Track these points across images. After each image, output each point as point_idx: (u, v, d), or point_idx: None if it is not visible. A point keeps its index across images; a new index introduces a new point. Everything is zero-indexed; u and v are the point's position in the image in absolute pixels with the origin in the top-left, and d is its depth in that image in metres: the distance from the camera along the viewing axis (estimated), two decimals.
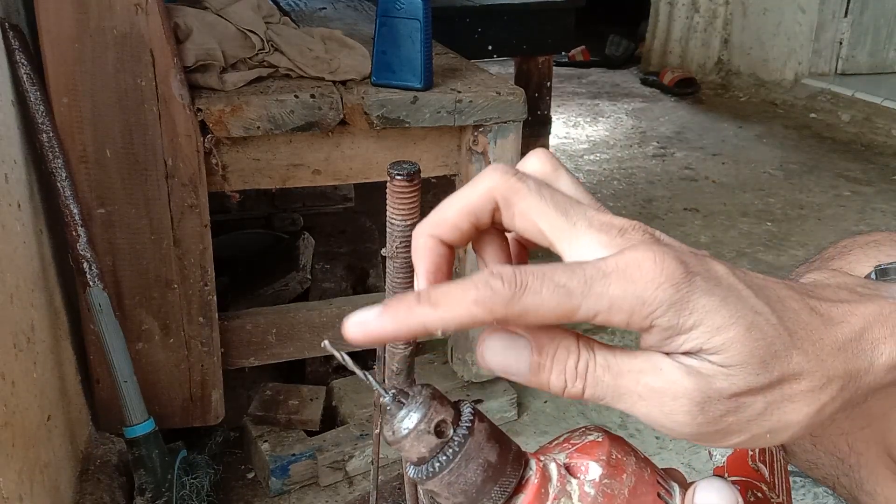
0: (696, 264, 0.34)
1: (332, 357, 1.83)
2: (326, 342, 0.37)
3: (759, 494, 0.55)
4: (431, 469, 0.33)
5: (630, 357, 0.34)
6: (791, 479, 0.70)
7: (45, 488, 1.21)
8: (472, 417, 0.33)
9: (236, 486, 1.62)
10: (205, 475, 1.50)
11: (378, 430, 0.70)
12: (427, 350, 1.93)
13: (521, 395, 1.89)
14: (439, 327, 0.32)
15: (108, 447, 1.49)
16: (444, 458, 0.32)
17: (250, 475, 1.64)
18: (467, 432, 0.33)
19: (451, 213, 0.36)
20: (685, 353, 0.34)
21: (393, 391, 0.34)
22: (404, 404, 0.33)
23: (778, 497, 0.56)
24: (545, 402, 1.92)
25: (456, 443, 0.33)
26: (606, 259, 0.33)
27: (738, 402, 0.34)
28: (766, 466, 0.58)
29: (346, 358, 0.37)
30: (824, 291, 0.39)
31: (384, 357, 0.63)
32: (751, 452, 0.59)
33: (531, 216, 0.35)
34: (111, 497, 1.39)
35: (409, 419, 0.33)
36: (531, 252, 0.42)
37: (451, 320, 0.32)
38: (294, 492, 1.59)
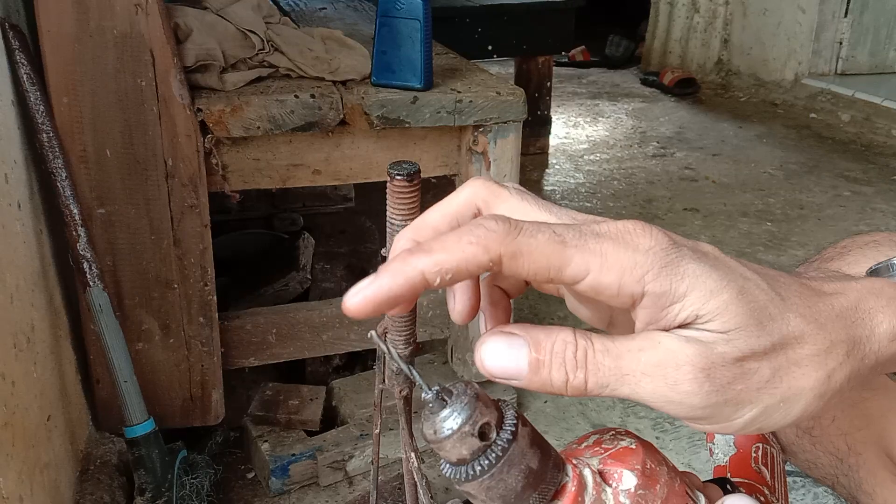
0: (683, 240, 0.35)
1: (332, 357, 1.83)
2: (373, 333, 0.37)
3: (762, 498, 0.55)
4: (472, 472, 0.32)
5: (628, 339, 0.34)
6: (791, 479, 0.70)
7: (45, 488, 1.21)
8: (515, 421, 0.32)
9: (236, 486, 1.62)
10: (205, 475, 1.50)
11: (378, 430, 0.69)
12: (427, 350, 1.93)
13: (521, 394, 1.89)
14: (436, 272, 0.31)
15: (108, 447, 1.49)
16: (487, 462, 0.32)
17: (250, 475, 1.64)
18: (511, 437, 0.32)
19: (433, 219, 0.37)
20: (681, 327, 0.34)
21: (436, 388, 0.33)
22: (447, 403, 0.32)
23: (778, 502, 0.56)
24: (545, 402, 1.92)
25: (500, 447, 0.32)
26: (600, 223, 0.34)
27: (743, 368, 0.34)
28: (767, 469, 0.59)
29: (392, 350, 0.36)
30: (814, 275, 0.40)
31: (384, 357, 0.63)
32: (753, 454, 0.59)
33: (514, 215, 0.35)
34: (111, 497, 1.39)
35: (453, 419, 0.32)
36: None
37: (447, 262, 0.31)
38: (294, 492, 1.59)
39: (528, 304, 2.30)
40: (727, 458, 0.63)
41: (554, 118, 3.80)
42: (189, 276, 1.47)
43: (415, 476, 0.64)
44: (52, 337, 1.34)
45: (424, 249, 0.32)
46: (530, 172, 3.40)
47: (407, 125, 1.49)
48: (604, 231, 0.33)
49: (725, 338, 0.33)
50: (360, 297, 0.32)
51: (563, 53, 5.06)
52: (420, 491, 0.64)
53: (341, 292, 2.01)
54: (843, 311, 0.37)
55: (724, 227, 2.93)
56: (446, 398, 0.33)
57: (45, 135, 1.30)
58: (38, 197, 1.36)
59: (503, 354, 0.33)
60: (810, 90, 4.29)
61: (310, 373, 1.83)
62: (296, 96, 1.42)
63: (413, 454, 0.64)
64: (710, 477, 0.45)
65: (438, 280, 0.31)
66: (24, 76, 1.27)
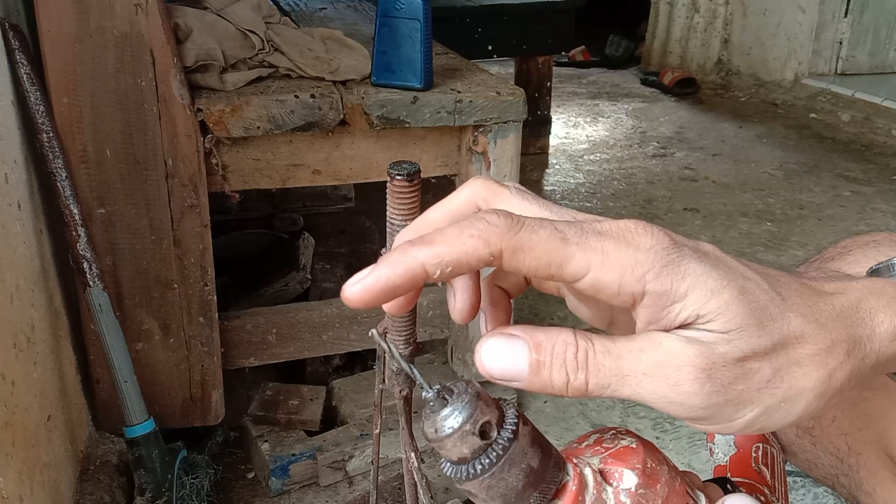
0: (684, 240, 0.35)
1: (332, 357, 1.83)
2: (374, 331, 0.37)
3: (762, 498, 0.55)
4: (472, 471, 0.32)
5: (629, 340, 0.34)
6: (791, 478, 0.70)
7: (45, 488, 1.21)
8: (516, 420, 0.32)
9: (236, 486, 1.62)
10: (205, 475, 1.50)
11: (378, 430, 0.69)
12: (427, 350, 1.93)
13: (522, 394, 1.89)
14: (436, 264, 0.31)
15: (108, 447, 1.49)
16: (487, 460, 0.32)
17: (250, 475, 1.64)
18: (512, 436, 0.32)
19: (433, 218, 0.37)
20: (682, 327, 0.34)
21: (437, 387, 0.33)
22: (448, 401, 0.32)
23: (778, 502, 0.56)
24: (545, 402, 1.92)
25: (500, 446, 0.32)
26: (601, 221, 0.34)
27: (744, 368, 0.33)
28: (767, 469, 0.59)
29: (393, 349, 0.36)
30: (814, 275, 0.40)
31: (384, 357, 0.63)
32: (753, 454, 0.59)
33: None
34: (111, 497, 1.39)
35: (453, 418, 0.32)
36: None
37: (447, 255, 0.31)
38: (294, 492, 1.59)
39: (528, 303, 2.30)
40: (727, 458, 0.63)
41: (554, 118, 3.80)
42: (189, 276, 1.47)
43: (415, 476, 0.64)
44: (52, 337, 1.34)
45: (425, 241, 0.32)
46: (530, 172, 3.40)
47: (407, 125, 1.49)
48: (605, 229, 0.33)
49: (726, 338, 0.33)
50: (359, 286, 0.32)
51: (563, 53, 5.06)
52: (420, 491, 0.64)
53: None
54: (843, 311, 0.37)
55: (724, 227, 2.93)
56: (447, 397, 0.32)
57: (45, 135, 1.30)
58: (38, 197, 1.36)
59: (503, 356, 0.33)
60: (810, 90, 4.29)
61: (310, 373, 1.83)
62: (296, 96, 1.42)
63: (413, 454, 0.64)
64: (711, 477, 0.45)
65: (438, 272, 0.31)
66: (24, 76, 1.27)
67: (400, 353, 0.37)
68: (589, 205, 3.10)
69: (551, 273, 0.32)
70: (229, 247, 2.07)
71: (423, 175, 0.52)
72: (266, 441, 1.61)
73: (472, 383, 0.33)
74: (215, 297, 1.51)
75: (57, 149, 1.31)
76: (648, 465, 0.34)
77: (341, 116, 1.46)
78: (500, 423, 0.32)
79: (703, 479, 0.40)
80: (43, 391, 1.26)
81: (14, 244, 1.21)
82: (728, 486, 0.41)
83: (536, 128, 3.54)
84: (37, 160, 1.34)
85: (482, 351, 0.34)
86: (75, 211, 1.34)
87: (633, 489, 0.33)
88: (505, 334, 0.34)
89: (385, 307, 0.38)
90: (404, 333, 0.57)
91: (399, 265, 0.31)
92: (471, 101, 1.51)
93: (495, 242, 0.31)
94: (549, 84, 3.55)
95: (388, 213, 0.53)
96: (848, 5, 4.24)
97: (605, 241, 0.32)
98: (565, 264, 0.32)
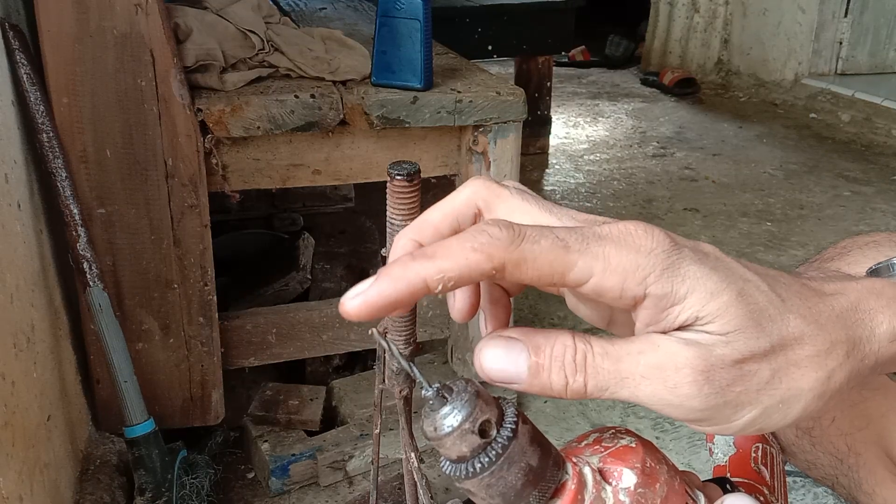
0: (684, 241, 0.35)
1: (332, 357, 1.83)
2: (374, 330, 0.37)
3: (762, 498, 0.55)
4: (472, 469, 0.32)
5: (627, 342, 0.34)
6: (790, 479, 0.70)
7: (45, 488, 1.21)
8: (515, 419, 0.33)
9: (236, 486, 1.62)
10: (205, 475, 1.50)
11: (378, 430, 0.70)
12: (427, 350, 1.93)
13: (521, 393, 1.89)
14: (438, 279, 0.31)
15: (108, 447, 1.49)
16: (487, 459, 0.32)
17: (250, 475, 1.64)
18: (512, 434, 0.32)
19: (433, 218, 0.37)
20: (681, 329, 0.34)
21: (437, 385, 0.33)
22: (447, 400, 0.32)
23: (777, 501, 0.56)
24: (545, 402, 1.92)
25: (500, 445, 0.32)
26: (601, 226, 0.34)
27: (742, 370, 0.34)
28: (767, 469, 0.59)
29: (393, 348, 0.36)
30: (814, 276, 0.40)
31: (384, 357, 0.63)
32: (753, 454, 0.59)
33: (515, 216, 0.35)
34: (111, 497, 1.39)
35: (453, 416, 0.32)
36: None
37: (449, 269, 0.31)
38: (294, 492, 1.59)
39: (528, 303, 2.30)
40: (727, 458, 0.63)
41: (554, 118, 3.80)
42: (189, 276, 1.47)
43: (415, 476, 0.65)
44: (52, 337, 1.34)
45: (427, 255, 0.31)
46: (530, 172, 3.40)
47: (407, 125, 1.49)
48: (605, 233, 0.33)
49: (724, 340, 0.33)
50: (359, 300, 0.32)
51: (563, 53, 5.06)
52: (420, 491, 0.64)
53: (341, 292, 2.01)
54: (843, 312, 0.37)
55: (724, 227, 2.93)
56: (447, 395, 0.32)
57: (45, 135, 1.30)
58: (38, 197, 1.36)
59: (503, 359, 0.33)
60: (810, 90, 4.29)
61: (310, 373, 1.83)
62: (296, 96, 1.42)
63: (413, 454, 0.64)
64: (710, 476, 0.45)
65: (440, 287, 0.31)
66: (24, 76, 1.27)
67: (400, 353, 0.37)
68: (589, 205, 3.10)
69: (554, 282, 0.32)
70: (229, 247, 2.07)
71: (423, 175, 0.52)
72: (266, 441, 1.61)
73: (471, 382, 0.33)
74: (215, 297, 1.51)
75: (57, 149, 1.31)
76: (647, 465, 0.34)
77: (341, 116, 1.46)
78: (500, 422, 0.32)
79: (702, 479, 0.40)
80: (43, 391, 1.26)
81: (14, 244, 1.21)
82: (727, 486, 0.41)
83: (536, 128, 3.54)
84: (37, 160, 1.34)
85: (481, 354, 0.34)
86: (75, 211, 1.34)
87: (631, 488, 0.33)
88: (504, 337, 0.34)
89: None
90: (404, 333, 0.57)
91: (401, 280, 0.31)
92: (471, 101, 1.51)
93: (498, 256, 0.31)
94: (549, 84, 3.56)
95: (388, 213, 0.53)
96: (848, 5, 4.24)
97: (607, 245, 0.32)
98: (567, 272, 0.32)
